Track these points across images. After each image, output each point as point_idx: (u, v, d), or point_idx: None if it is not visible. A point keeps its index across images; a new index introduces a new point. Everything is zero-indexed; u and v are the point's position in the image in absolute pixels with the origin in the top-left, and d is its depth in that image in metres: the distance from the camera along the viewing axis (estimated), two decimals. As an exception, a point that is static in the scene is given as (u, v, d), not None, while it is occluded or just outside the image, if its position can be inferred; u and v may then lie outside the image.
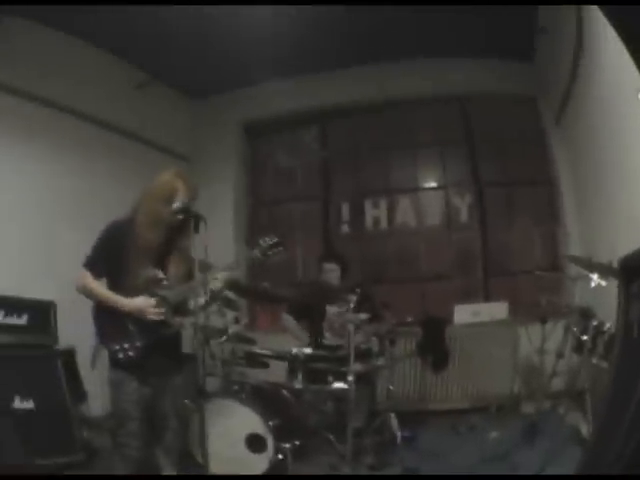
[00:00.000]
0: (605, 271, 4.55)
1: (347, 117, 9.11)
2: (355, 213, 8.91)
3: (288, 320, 6.28)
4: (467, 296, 8.05)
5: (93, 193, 6.87)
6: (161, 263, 3.87)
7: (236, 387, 5.10)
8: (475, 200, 8.35)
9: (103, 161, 7.19)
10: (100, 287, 3.79)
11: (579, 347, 4.92)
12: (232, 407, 4.68)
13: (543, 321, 5.79)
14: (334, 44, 7.60)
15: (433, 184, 8.79)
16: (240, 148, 9.40)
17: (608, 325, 4.50)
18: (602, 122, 5.40)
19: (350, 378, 4.67)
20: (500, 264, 8.16)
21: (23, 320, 5.20)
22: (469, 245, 8.32)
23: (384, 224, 8.76)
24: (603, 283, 4.64)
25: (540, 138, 8.02)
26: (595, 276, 4.75)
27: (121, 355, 3.66)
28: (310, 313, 6.22)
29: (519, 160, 8.21)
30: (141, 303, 3.73)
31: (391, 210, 8.74)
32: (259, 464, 4.53)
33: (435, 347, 6.25)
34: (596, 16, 4.61)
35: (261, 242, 3.93)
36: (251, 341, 5.62)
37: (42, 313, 5.39)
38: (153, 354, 3.74)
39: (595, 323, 4.70)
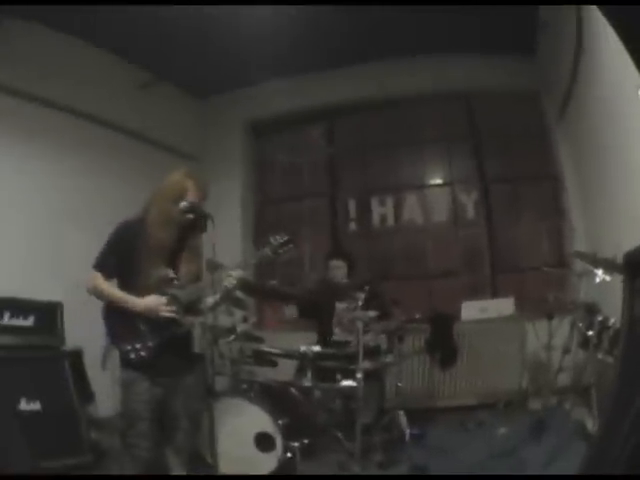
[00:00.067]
0: (610, 266, 4.56)
1: (353, 114, 9.10)
2: (362, 210, 8.92)
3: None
4: (474, 292, 8.03)
5: (100, 193, 6.88)
6: (172, 262, 3.87)
7: (245, 386, 5.10)
8: (481, 196, 8.34)
9: (110, 161, 7.20)
10: (111, 287, 3.78)
11: (585, 342, 4.92)
12: (241, 406, 4.69)
13: (550, 317, 5.81)
14: (339, 42, 7.60)
15: (439, 181, 8.79)
16: (247, 146, 9.42)
17: (613, 320, 4.51)
18: (604, 121, 5.40)
19: (359, 375, 4.70)
20: (507, 260, 8.15)
21: (30, 321, 5.20)
22: (476, 241, 8.31)
23: (391, 221, 8.76)
24: (608, 278, 4.64)
25: (544, 134, 8.02)
26: (600, 272, 4.75)
27: (132, 355, 3.65)
28: (318, 311, 6.22)
29: (524, 156, 8.18)
30: (152, 302, 3.73)
31: (398, 207, 8.73)
32: (268, 463, 4.54)
33: (443, 344, 6.26)
34: (596, 16, 4.61)
35: (272, 240, 3.92)
36: (259, 340, 5.62)
37: (49, 314, 5.38)
38: (164, 354, 3.73)
39: (600, 318, 4.69)
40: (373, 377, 5.35)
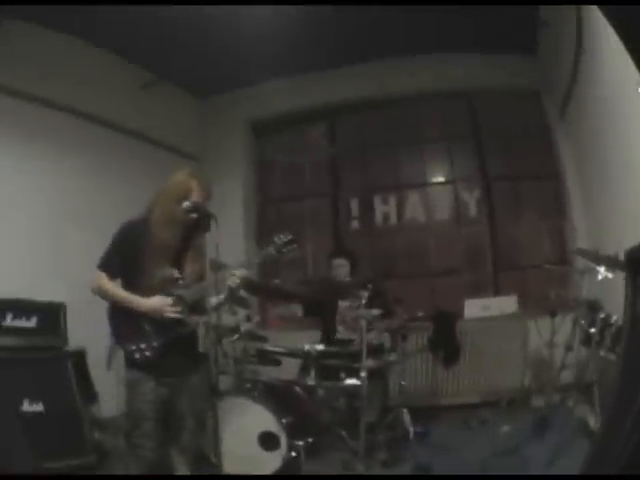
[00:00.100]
0: (612, 264, 4.56)
1: (354, 114, 9.11)
2: (364, 209, 8.92)
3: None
4: (477, 290, 8.06)
5: (101, 193, 6.89)
6: (177, 262, 3.87)
7: (249, 385, 5.08)
8: (483, 194, 8.35)
9: (110, 161, 7.20)
10: (116, 288, 3.80)
11: (587, 340, 4.94)
12: (245, 405, 4.69)
13: (552, 314, 5.82)
14: (339, 41, 7.62)
15: (441, 179, 8.81)
16: (247, 146, 9.42)
17: (615, 318, 4.52)
18: (605, 121, 5.41)
19: (363, 374, 4.69)
20: (509, 258, 8.16)
21: (32, 322, 5.18)
22: (478, 239, 8.33)
23: (393, 219, 8.77)
24: (610, 276, 4.65)
25: (545, 133, 8.02)
26: (602, 269, 4.76)
27: (137, 355, 3.66)
28: (322, 309, 6.24)
29: (525, 155, 8.20)
30: (157, 303, 3.74)
31: (400, 205, 8.75)
32: (272, 462, 4.54)
33: (446, 342, 6.28)
34: (596, 16, 4.62)
35: (276, 239, 3.91)
36: (263, 339, 5.61)
37: (51, 315, 5.36)
38: (169, 354, 3.74)
39: (602, 316, 4.71)
40: (377, 375, 5.35)
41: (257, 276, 7.77)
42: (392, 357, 5.49)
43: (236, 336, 5.10)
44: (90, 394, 5.56)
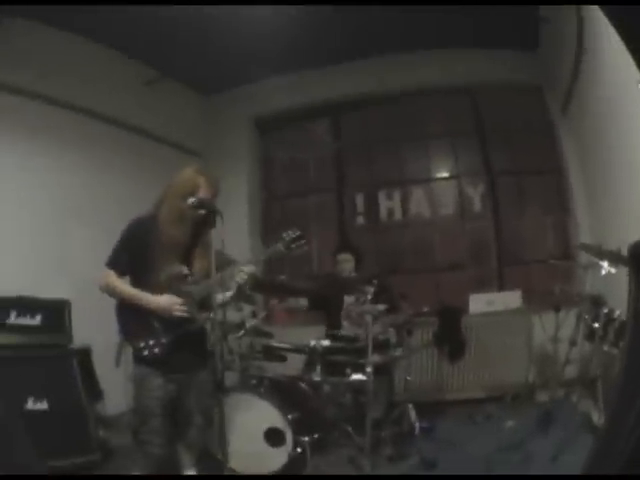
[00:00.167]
0: (615, 258, 4.57)
1: (358, 110, 9.12)
2: (369, 205, 8.93)
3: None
4: (481, 285, 8.05)
5: (105, 190, 6.90)
6: (186, 259, 3.90)
7: (254, 381, 5.09)
8: (488, 189, 8.35)
9: (114, 158, 7.21)
10: (124, 285, 3.83)
11: (591, 335, 4.95)
12: (251, 401, 4.69)
13: (557, 309, 5.82)
14: (342, 38, 7.61)
15: (446, 174, 8.80)
16: (252, 142, 9.42)
17: (618, 312, 4.54)
18: (607, 121, 5.42)
19: (368, 369, 4.69)
20: (514, 253, 8.16)
21: (37, 320, 5.18)
22: (483, 234, 8.32)
23: (398, 215, 8.77)
24: (613, 271, 4.66)
25: (548, 129, 8.02)
26: (605, 264, 4.76)
27: (146, 352, 3.69)
28: (327, 305, 6.25)
29: (529, 150, 8.19)
30: (167, 301, 3.77)
31: (405, 201, 8.74)
32: (278, 458, 4.54)
33: (451, 337, 6.28)
34: (597, 16, 4.61)
35: (284, 236, 3.90)
36: (268, 335, 5.61)
37: (56, 312, 5.36)
38: (178, 350, 3.77)
39: (606, 311, 4.72)
40: (382, 371, 5.34)
41: (262, 272, 7.77)
42: (398, 352, 5.48)
43: (242, 332, 5.10)
44: (95, 392, 5.59)
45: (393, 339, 5.52)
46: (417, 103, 8.77)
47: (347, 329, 5.90)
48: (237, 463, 4.36)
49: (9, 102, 5.94)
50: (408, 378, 5.84)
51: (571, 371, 5.57)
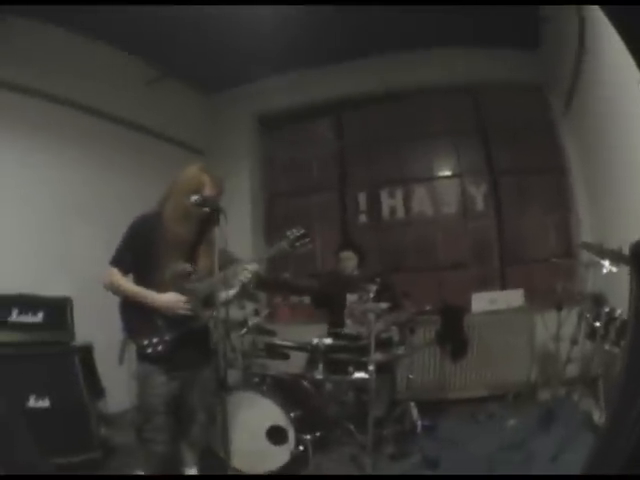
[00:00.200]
0: (616, 257, 4.57)
1: (361, 108, 9.13)
2: (372, 203, 8.93)
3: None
4: (484, 284, 8.06)
5: (107, 187, 6.91)
6: (191, 257, 3.90)
7: (257, 379, 5.11)
8: (490, 188, 8.35)
9: (116, 156, 7.22)
10: (128, 283, 3.83)
11: (592, 333, 4.95)
12: (253, 399, 4.70)
13: (558, 308, 5.82)
14: (346, 36, 7.61)
15: (448, 173, 8.80)
16: (254, 141, 9.45)
17: (619, 311, 4.55)
18: (608, 121, 5.42)
19: (371, 368, 4.69)
20: (516, 252, 8.17)
21: (38, 318, 5.16)
22: (485, 233, 8.33)
23: (401, 213, 8.78)
24: (614, 269, 4.66)
25: (550, 128, 8.02)
26: (606, 263, 4.76)
27: (150, 350, 3.69)
28: (330, 303, 6.25)
29: (531, 149, 8.18)
30: (171, 299, 3.77)
31: (407, 199, 8.75)
32: (280, 456, 4.56)
33: (454, 335, 6.27)
34: (599, 16, 4.61)
35: (288, 234, 3.90)
36: (271, 333, 5.63)
37: (58, 310, 5.35)
38: (182, 347, 3.77)
39: (607, 310, 4.73)
40: (385, 369, 5.35)
41: (266, 271, 7.78)
42: (400, 351, 5.47)
43: (244, 330, 5.12)
44: (97, 389, 5.57)
45: (396, 337, 5.51)
46: (419, 102, 8.76)
47: (350, 327, 5.90)
48: (239, 461, 4.38)
49: (11, 100, 5.95)
50: (410, 376, 5.85)
51: (572, 370, 5.59)
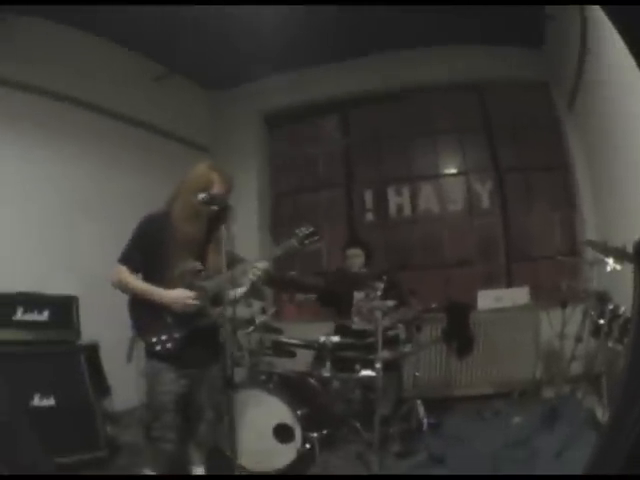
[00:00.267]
0: (620, 255, 4.58)
1: (367, 106, 9.12)
2: (378, 201, 8.94)
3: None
4: (490, 282, 8.08)
5: (112, 184, 6.93)
6: (200, 255, 3.92)
7: (263, 377, 5.09)
8: (496, 186, 8.36)
9: (122, 153, 7.25)
10: (137, 280, 3.84)
11: (596, 331, 4.96)
12: (260, 397, 4.70)
13: (563, 305, 5.83)
14: (351, 34, 7.63)
15: (454, 170, 8.81)
16: (261, 138, 9.46)
17: (623, 309, 4.56)
18: (612, 121, 5.43)
19: (378, 365, 4.69)
20: (521, 249, 8.17)
21: (44, 316, 5.16)
22: (491, 231, 8.33)
23: (407, 211, 8.78)
24: (618, 267, 4.67)
25: (555, 125, 8.03)
26: (611, 260, 4.77)
27: (159, 347, 3.70)
28: (337, 301, 6.26)
29: (536, 146, 8.20)
30: (179, 294, 3.78)
31: (414, 197, 8.75)
32: (287, 454, 4.56)
33: (460, 333, 6.27)
34: (602, 16, 4.62)
35: (297, 232, 3.90)
36: (278, 331, 5.61)
37: (64, 308, 5.35)
38: (190, 345, 3.78)
39: (611, 307, 4.74)
40: (391, 367, 5.36)
41: (272, 268, 7.79)
42: (407, 348, 5.47)
43: (251, 328, 5.12)
44: (103, 388, 5.56)
45: (402, 335, 5.52)
46: (424, 100, 8.78)
47: (357, 325, 5.90)
48: (246, 459, 4.40)
49: (16, 98, 5.98)
50: (417, 374, 5.85)
51: (577, 367, 5.61)
